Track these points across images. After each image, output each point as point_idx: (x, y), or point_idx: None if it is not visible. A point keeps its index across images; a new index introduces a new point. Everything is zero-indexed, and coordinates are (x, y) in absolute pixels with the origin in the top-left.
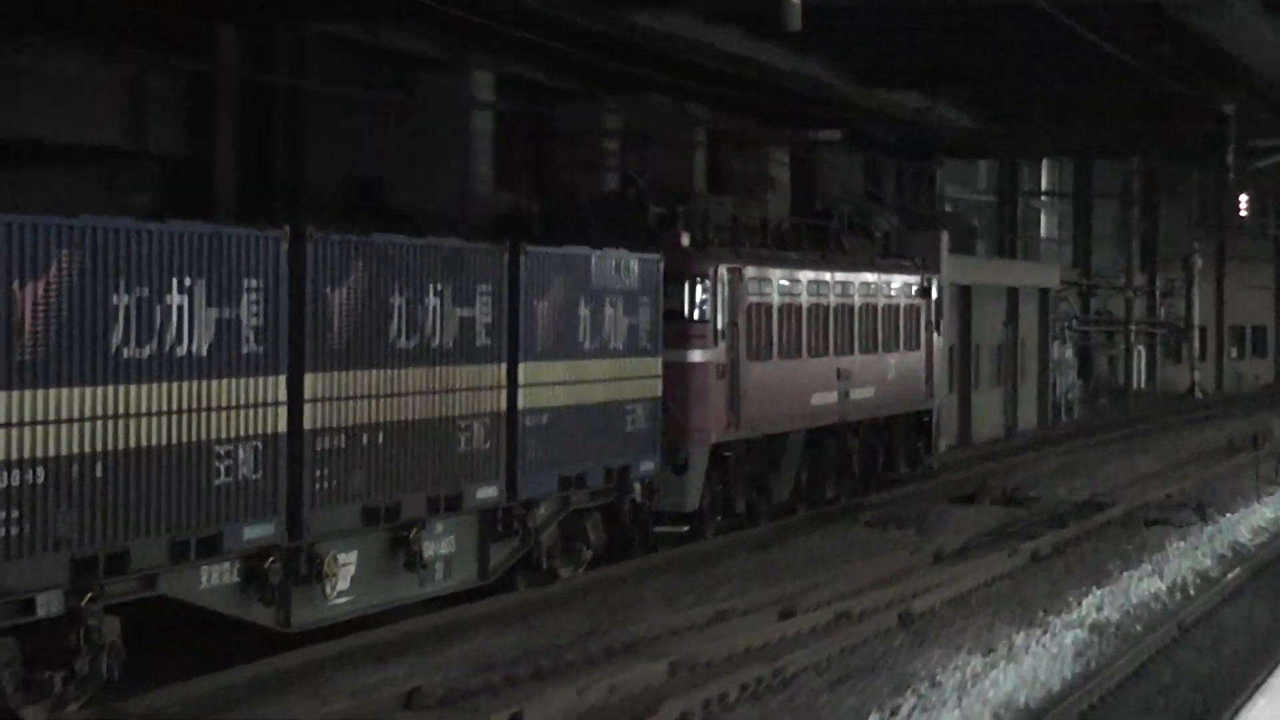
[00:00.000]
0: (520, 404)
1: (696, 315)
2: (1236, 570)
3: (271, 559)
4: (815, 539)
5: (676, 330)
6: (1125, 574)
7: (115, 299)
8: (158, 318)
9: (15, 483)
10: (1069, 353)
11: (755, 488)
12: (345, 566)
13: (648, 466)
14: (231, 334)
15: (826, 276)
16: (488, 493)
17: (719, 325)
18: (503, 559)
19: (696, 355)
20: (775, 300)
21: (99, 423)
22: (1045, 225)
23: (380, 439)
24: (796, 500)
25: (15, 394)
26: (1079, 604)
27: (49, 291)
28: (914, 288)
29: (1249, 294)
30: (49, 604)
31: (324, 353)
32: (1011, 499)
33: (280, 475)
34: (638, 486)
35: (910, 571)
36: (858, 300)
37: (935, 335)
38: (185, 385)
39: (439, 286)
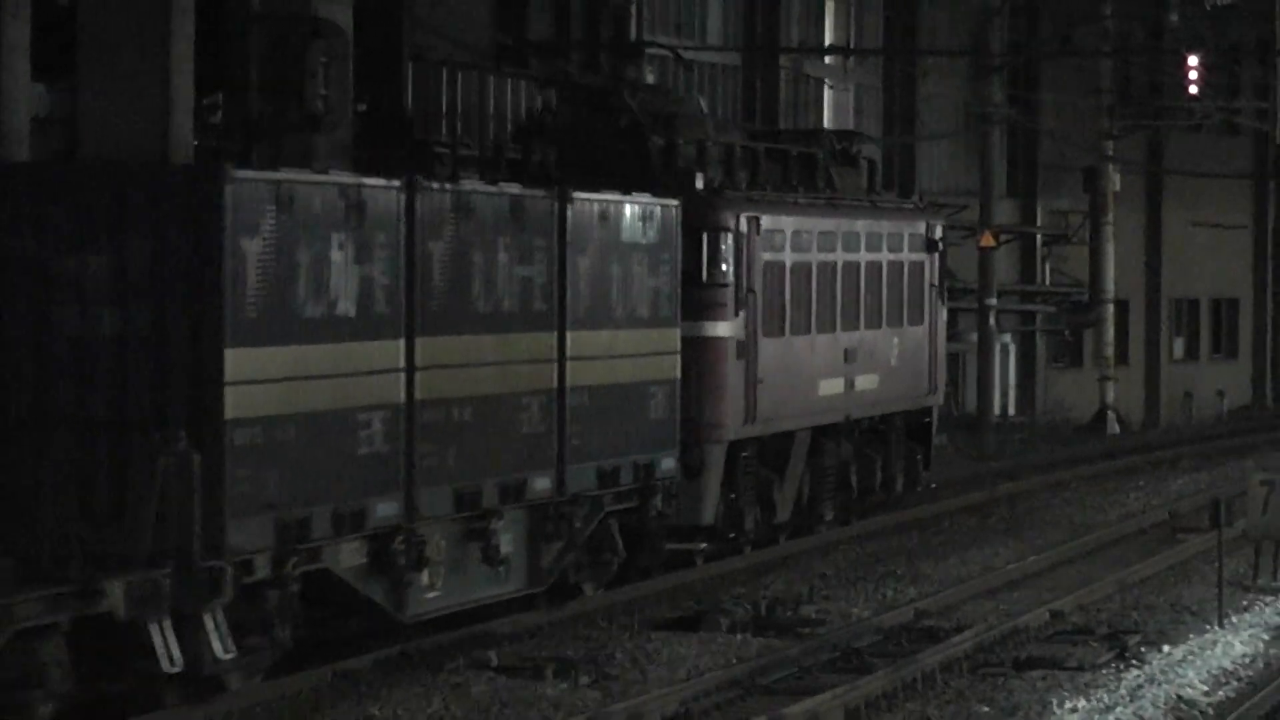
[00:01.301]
0: (572, 382)
1: (716, 278)
2: None
3: (400, 539)
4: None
5: (691, 296)
6: None
7: None
8: None
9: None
10: None
11: (760, 501)
12: (439, 556)
13: (668, 465)
14: (367, 294)
15: (833, 225)
16: (543, 484)
17: (739, 291)
18: (550, 563)
19: (716, 328)
20: (790, 258)
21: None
22: (831, 109)
23: (468, 414)
24: (797, 519)
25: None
26: None
27: None
28: (920, 239)
29: (1204, 240)
30: (262, 566)
31: (427, 316)
32: (770, 621)
33: (400, 449)
34: (660, 489)
35: None
36: (863, 257)
37: (940, 306)
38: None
39: (506, 240)
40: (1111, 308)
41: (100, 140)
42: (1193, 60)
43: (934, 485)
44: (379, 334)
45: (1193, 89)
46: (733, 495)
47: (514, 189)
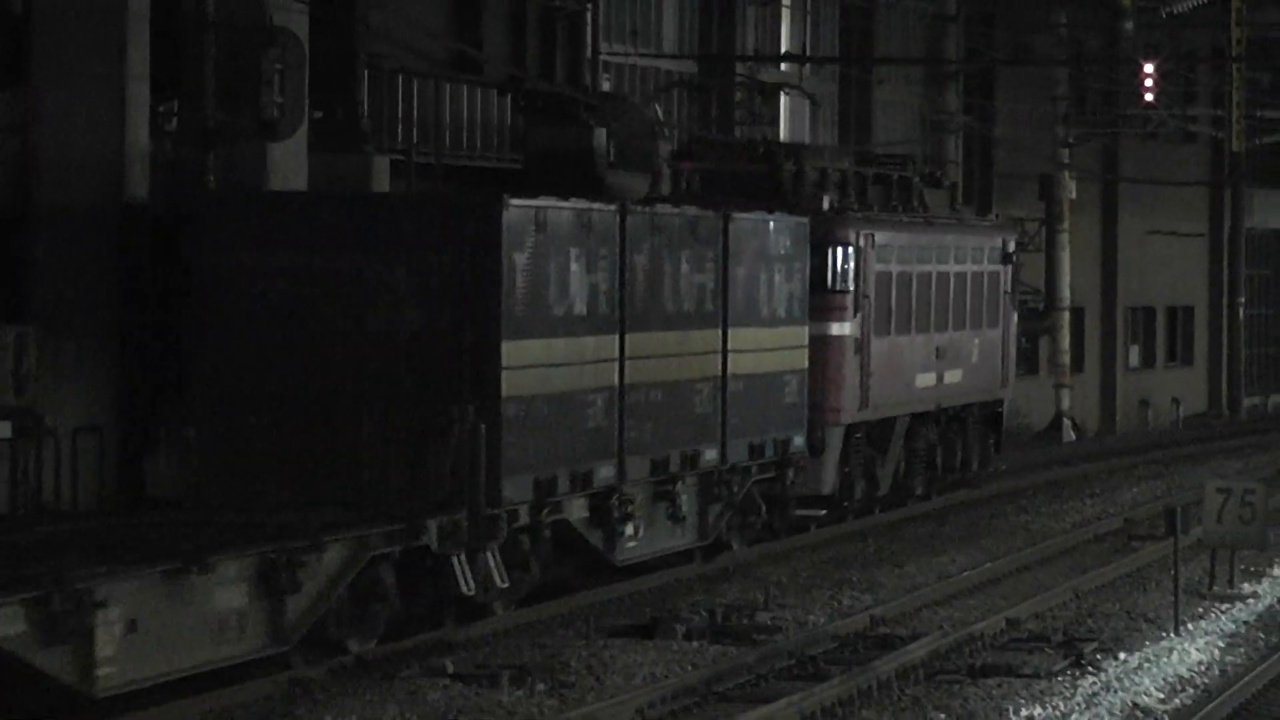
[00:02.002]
0: (732, 371)
1: (839, 285)
2: None
3: (614, 497)
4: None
5: (818, 301)
6: None
7: None
8: None
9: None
10: None
11: (866, 476)
12: (639, 512)
13: (799, 442)
14: (594, 297)
15: (928, 240)
16: (711, 455)
17: (856, 296)
18: (714, 521)
19: (837, 328)
20: (895, 269)
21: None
22: (789, 117)
23: (659, 397)
24: (893, 492)
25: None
26: None
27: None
28: (996, 252)
29: (1160, 247)
30: (524, 515)
31: (633, 315)
32: (726, 629)
33: (614, 423)
34: (792, 462)
35: None
36: (952, 268)
37: (1012, 310)
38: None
39: (686, 253)
40: (1067, 315)
41: (55, 147)
42: (1148, 68)
43: (1003, 467)
44: (601, 330)
45: (1148, 97)
46: (846, 469)
47: (692, 211)
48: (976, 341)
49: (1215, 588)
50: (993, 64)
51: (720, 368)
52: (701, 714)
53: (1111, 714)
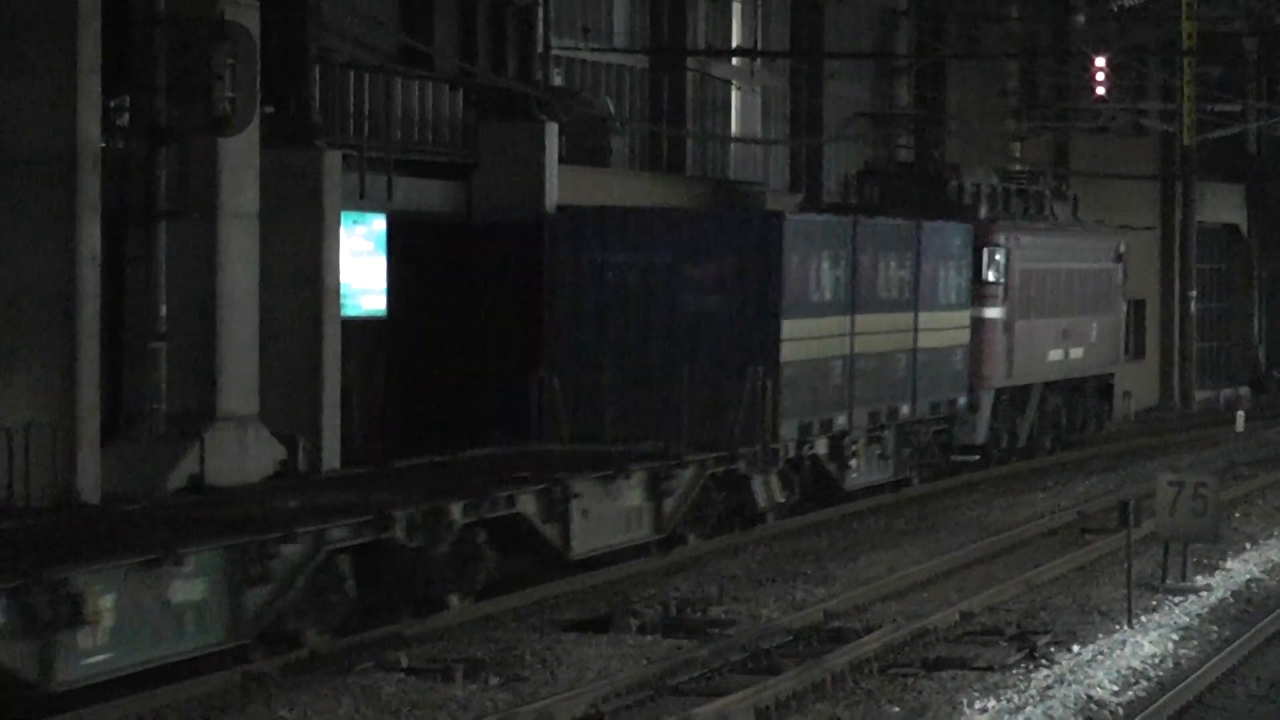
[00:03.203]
0: (919, 344)
1: (992, 277)
2: None
3: (847, 437)
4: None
5: (976, 290)
6: None
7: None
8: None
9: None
10: None
11: (1009, 430)
12: (861, 451)
13: (962, 401)
14: (834, 286)
15: (1058, 243)
16: (906, 410)
17: (1005, 288)
18: (905, 460)
19: (990, 312)
20: (1034, 265)
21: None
22: (739, 112)
23: (873, 364)
24: (1030, 446)
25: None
26: None
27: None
28: (1111, 252)
29: None
30: (791, 450)
31: (859, 300)
32: (679, 623)
33: (846, 383)
34: (957, 417)
35: None
36: (1076, 265)
37: (1121, 300)
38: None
39: (891, 253)
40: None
41: (6, 143)
42: (1099, 62)
43: (1114, 429)
44: (840, 312)
45: (1099, 90)
46: (994, 425)
47: (897, 220)
48: (1094, 325)
49: (1168, 581)
50: (943, 58)
51: (912, 342)
52: (656, 708)
53: (1065, 706)
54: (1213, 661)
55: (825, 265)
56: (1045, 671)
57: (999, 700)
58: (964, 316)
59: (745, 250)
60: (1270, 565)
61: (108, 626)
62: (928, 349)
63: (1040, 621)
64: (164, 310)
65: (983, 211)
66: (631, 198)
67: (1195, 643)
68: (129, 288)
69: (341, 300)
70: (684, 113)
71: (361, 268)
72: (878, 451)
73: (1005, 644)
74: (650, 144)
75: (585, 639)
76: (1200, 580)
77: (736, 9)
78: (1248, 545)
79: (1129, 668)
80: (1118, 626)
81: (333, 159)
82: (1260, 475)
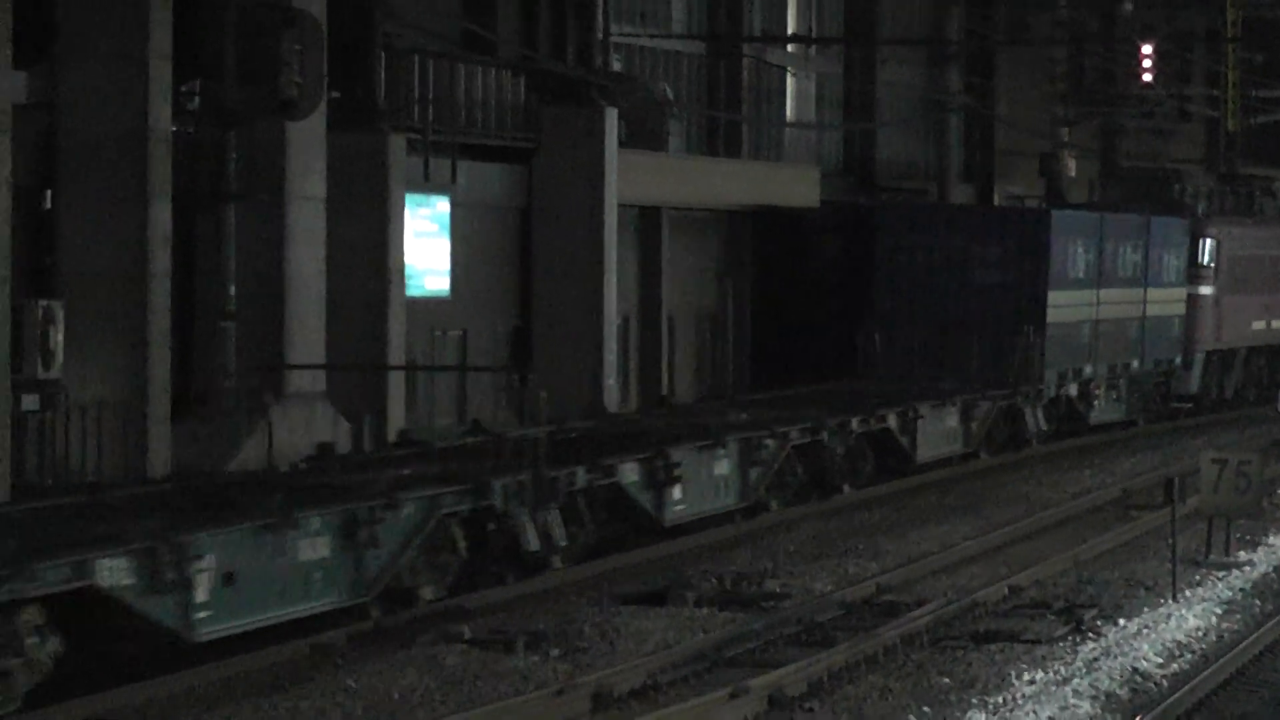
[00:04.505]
0: (1146, 313)
1: (1205, 261)
2: None
3: (1092, 383)
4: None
5: (1192, 272)
6: None
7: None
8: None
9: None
10: None
11: (1218, 385)
12: (1102, 396)
13: (1178, 360)
14: (1084, 266)
15: (1262, 234)
16: (1135, 364)
17: (1215, 270)
18: (1133, 404)
19: (1203, 289)
20: (1240, 252)
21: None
22: (794, 98)
23: (1111, 328)
24: (1233, 400)
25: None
26: None
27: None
28: None
29: None
30: (1051, 391)
31: (1102, 276)
32: (735, 596)
33: (1092, 342)
34: (1174, 372)
35: None
36: (1273, 252)
37: None
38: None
39: (1126, 241)
40: None
41: (80, 127)
42: (1146, 49)
43: None
44: (1088, 286)
45: (1146, 77)
46: (1205, 381)
47: (1132, 215)
48: None
49: (1212, 556)
50: (993, 44)
51: (1142, 312)
52: (712, 679)
53: (1111, 678)
54: (1256, 635)
55: (1079, 250)
56: (1092, 644)
57: (1046, 672)
58: (1182, 293)
59: (1022, 237)
60: None
61: (247, 582)
62: (1153, 317)
63: (1087, 595)
64: (233, 290)
65: (1200, 208)
66: (688, 181)
67: (1238, 616)
68: (199, 268)
69: (405, 281)
70: (740, 98)
71: (425, 249)
72: (1114, 396)
73: (1053, 617)
74: (707, 128)
75: (643, 611)
76: (1243, 555)
77: None
78: None
79: (1174, 641)
80: (1162, 600)
81: (397, 143)
82: None
